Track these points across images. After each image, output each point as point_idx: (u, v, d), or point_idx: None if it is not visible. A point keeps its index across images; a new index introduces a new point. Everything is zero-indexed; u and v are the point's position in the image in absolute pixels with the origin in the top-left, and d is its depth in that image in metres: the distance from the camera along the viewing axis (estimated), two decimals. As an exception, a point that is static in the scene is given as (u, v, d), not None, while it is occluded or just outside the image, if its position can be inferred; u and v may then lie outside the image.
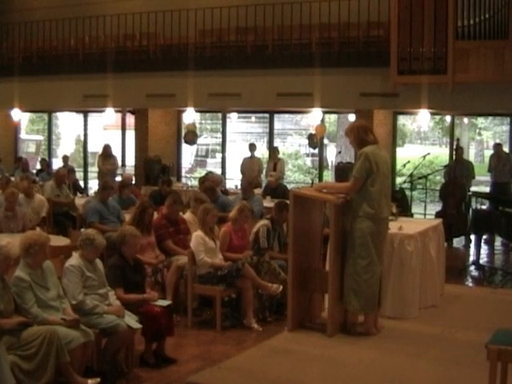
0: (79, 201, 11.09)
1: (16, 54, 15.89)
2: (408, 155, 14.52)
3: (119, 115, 16.29)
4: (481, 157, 18.02)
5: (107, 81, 14.32)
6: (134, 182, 13.06)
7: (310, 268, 6.58)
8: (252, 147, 13.81)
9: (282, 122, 16.82)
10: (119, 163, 15.16)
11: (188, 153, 17.68)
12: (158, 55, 14.43)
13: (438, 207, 12.42)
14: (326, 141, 17.40)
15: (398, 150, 14.38)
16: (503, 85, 11.10)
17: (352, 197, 6.32)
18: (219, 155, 16.65)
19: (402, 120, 15.82)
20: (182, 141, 15.67)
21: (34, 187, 10.27)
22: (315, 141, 14.15)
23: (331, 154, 16.93)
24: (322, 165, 15.01)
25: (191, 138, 15.19)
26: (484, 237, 10.72)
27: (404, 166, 11.47)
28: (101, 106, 15.20)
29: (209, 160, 18.97)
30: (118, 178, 13.67)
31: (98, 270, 5.44)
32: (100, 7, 15.45)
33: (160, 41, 14.35)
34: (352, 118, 13.38)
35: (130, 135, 16.21)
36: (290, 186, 12.60)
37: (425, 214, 11.71)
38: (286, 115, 16.67)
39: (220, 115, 16.18)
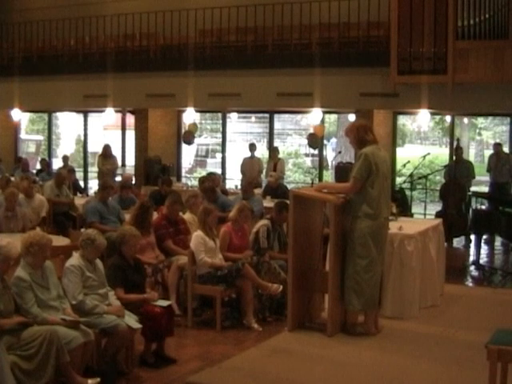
0: (79, 201, 11.09)
1: (16, 54, 15.90)
2: (408, 155, 14.52)
3: (119, 115, 16.29)
4: (481, 157, 18.02)
5: (107, 81, 14.33)
6: (133, 182, 13.08)
7: (310, 268, 6.58)
8: (252, 147, 13.81)
9: (282, 122, 16.82)
10: (119, 163, 15.16)
11: (188, 153, 17.67)
12: (158, 55, 14.44)
13: (438, 207, 12.42)
14: (334, 141, 17.45)
15: (398, 150, 14.38)
16: (503, 85, 11.11)
17: (351, 197, 6.32)
18: (219, 155, 16.65)
19: (402, 120, 15.82)
20: (182, 141, 15.67)
21: (34, 187, 10.27)
22: (316, 141, 14.15)
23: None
24: (322, 165, 15.01)
25: (189, 137, 15.20)
26: (484, 237, 10.72)
27: (404, 165, 11.47)
28: (101, 106, 15.21)
29: (209, 160, 18.96)
30: (118, 178, 13.67)
31: (98, 270, 5.44)
32: (100, 7, 15.46)
33: (160, 41, 14.36)
34: (352, 118, 13.37)
35: (130, 135, 16.21)
36: (290, 186, 12.61)
37: (425, 214, 11.71)
38: (286, 115, 16.67)
39: (220, 115, 16.18)
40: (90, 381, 4.85)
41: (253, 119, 17.71)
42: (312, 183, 11.00)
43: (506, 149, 13.09)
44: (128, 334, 5.25)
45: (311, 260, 6.62)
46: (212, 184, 10.27)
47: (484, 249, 11.14)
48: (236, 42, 13.62)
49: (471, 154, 17.43)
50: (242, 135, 17.67)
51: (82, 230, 8.75)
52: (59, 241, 7.24)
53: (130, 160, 16.10)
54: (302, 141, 17.66)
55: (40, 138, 19.97)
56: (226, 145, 15.90)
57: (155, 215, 7.77)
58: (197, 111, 15.11)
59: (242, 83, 13.38)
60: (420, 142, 18.93)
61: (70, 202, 10.99)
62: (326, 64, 12.54)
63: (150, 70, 14.25)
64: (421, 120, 13.16)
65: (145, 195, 11.16)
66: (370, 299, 6.32)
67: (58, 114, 18.74)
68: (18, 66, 15.72)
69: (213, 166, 17.48)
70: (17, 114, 16.61)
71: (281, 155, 14.36)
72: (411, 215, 11.23)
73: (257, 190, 11.42)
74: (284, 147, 17.51)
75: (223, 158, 15.90)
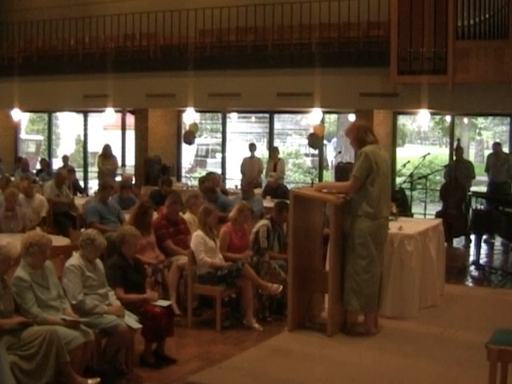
0: (79, 201, 11.09)
1: (16, 54, 15.89)
2: (408, 155, 14.52)
3: (119, 115, 16.29)
4: (481, 157, 18.00)
5: (107, 81, 14.33)
6: (133, 181, 13.08)
7: (310, 268, 6.58)
8: (252, 147, 13.81)
9: (282, 122, 16.82)
10: (119, 163, 15.16)
11: (188, 153, 17.68)
12: (158, 55, 14.44)
13: (438, 207, 12.42)
14: (335, 140, 17.41)
15: (398, 150, 14.38)
16: (503, 85, 11.10)
17: (352, 196, 6.32)
18: (219, 155, 16.66)
19: (402, 120, 15.81)
20: (182, 141, 15.68)
21: (34, 187, 10.27)
22: (317, 141, 14.15)
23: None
24: (322, 165, 15.01)
25: (189, 137, 15.20)
26: (484, 237, 10.72)
27: (404, 165, 11.48)
28: (101, 106, 15.20)
29: (209, 160, 18.96)
30: (118, 178, 13.67)
31: (98, 270, 5.44)
32: (100, 7, 15.45)
33: (160, 41, 14.36)
34: (352, 118, 13.38)
35: (130, 135, 16.21)
36: (290, 186, 12.60)
37: (425, 214, 11.71)
38: (286, 115, 16.67)
39: (220, 115, 16.18)
40: (89, 381, 4.85)
41: (253, 119, 17.71)
42: (312, 183, 11.00)
43: (506, 149, 13.09)
44: (128, 334, 5.25)
45: (311, 260, 6.62)
46: (212, 184, 10.28)
47: (484, 249, 11.14)
48: (236, 42, 13.61)
49: (471, 154, 17.42)
50: (242, 135, 17.67)
51: (82, 230, 8.76)
52: (59, 241, 7.24)
53: (130, 160, 16.09)
54: (302, 141, 17.66)
55: (40, 138, 19.96)
56: (226, 145, 15.90)
57: (155, 215, 7.76)
58: (197, 111, 15.11)
59: (242, 83, 13.38)
60: (420, 142, 18.92)
61: (70, 202, 10.99)
62: (326, 64, 12.53)
63: (150, 70, 14.24)
64: (421, 120, 13.16)
65: (145, 195, 11.16)
66: (369, 299, 6.31)
67: (58, 114, 18.73)
68: (18, 65, 15.71)
69: (213, 165, 17.48)
70: (17, 114, 16.61)
71: (281, 155, 14.36)
72: (411, 215, 11.24)
73: (257, 190, 11.42)
74: (284, 147, 17.51)
75: (223, 158, 15.90)
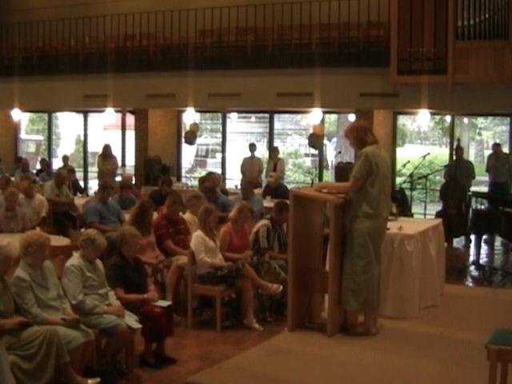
0: (79, 201, 11.09)
1: (16, 54, 15.90)
2: (408, 155, 14.52)
3: (119, 115, 16.29)
4: (481, 157, 18.01)
5: (107, 81, 14.33)
6: (133, 181, 13.08)
7: (310, 268, 6.58)
8: (252, 147, 13.81)
9: (282, 122, 16.82)
10: (119, 163, 15.16)
11: (188, 153, 17.68)
12: (158, 55, 14.44)
13: (438, 207, 12.42)
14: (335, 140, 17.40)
15: (398, 150, 14.38)
16: (503, 85, 11.11)
17: (351, 197, 6.32)
18: (219, 155, 16.66)
19: (402, 120, 15.82)
20: (182, 141, 15.69)
21: (34, 187, 10.27)
22: (317, 141, 14.14)
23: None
24: (322, 165, 15.01)
25: (190, 137, 15.20)
26: (484, 237, 10.72)
27: (404, 165, 11.47)
28: (101, 106, 15.21)
29: (209, 160, 18.97)
30: (118, 178, 13.67)
31: (98, 270, 5.44)
32: (100, 7, 15.45)
33: (160, 41, 14.36)
34: (352, 118, 13.38)
35: (130, 135, 16.21)
36: (290, 186, 12.61)
37: (425, 214, 11.71)
38: (286, 115, 16.67)
39: (220, 115, 16.19)
40: (89, 381, 4.85)
41: (253, 119, 17.71)
42: (312, 183, 11.00)
43: (506, 149, 13.09)
44: (128, 334, 5.25)
45: (311, 260, 6.62)
46: (212, 184, 10.28)
47: (484, 249, 11.13)
48: (236, 42, 13.62)
49: (471, 154, 17.43)
50: (242, 135, 17.67)
51: (82, 230, 8.76)
52: (59, 241, 7.25)
53: (130, 160, 16.10)
54: (302, 141, 17.67)
55: (40, 138, 19.97)
56: (226, 145, 15.91)
57: (155, 215, 7.76)
58: (197, 111, 15.11)
59: (242, 83, 13.38)
60: (420, 142, 18.93)
61: (70, 202, 10.99)
62: (326, 64, 12.53)
63: (150, 70, 14.25)
64: (421, 120, 13.16)
65: (145, 195, 11.15)
66: (368, 300, 6.31)
67: (58, 114, 18.74)
68: (18, 66, 15.71)
69: (213, 165, 17.48)
70: (17, 114, 16.62)
71: (281, 155, 14.36)
72: (411, 215, 11.23)
73: (257, 190, 11.42)
74: (284, 147, 17.51)
75: (223, 158, 15.91)
